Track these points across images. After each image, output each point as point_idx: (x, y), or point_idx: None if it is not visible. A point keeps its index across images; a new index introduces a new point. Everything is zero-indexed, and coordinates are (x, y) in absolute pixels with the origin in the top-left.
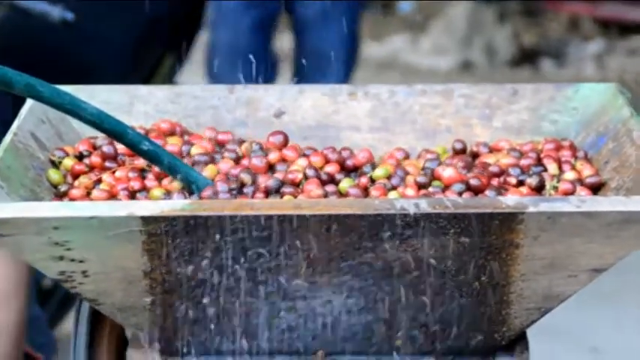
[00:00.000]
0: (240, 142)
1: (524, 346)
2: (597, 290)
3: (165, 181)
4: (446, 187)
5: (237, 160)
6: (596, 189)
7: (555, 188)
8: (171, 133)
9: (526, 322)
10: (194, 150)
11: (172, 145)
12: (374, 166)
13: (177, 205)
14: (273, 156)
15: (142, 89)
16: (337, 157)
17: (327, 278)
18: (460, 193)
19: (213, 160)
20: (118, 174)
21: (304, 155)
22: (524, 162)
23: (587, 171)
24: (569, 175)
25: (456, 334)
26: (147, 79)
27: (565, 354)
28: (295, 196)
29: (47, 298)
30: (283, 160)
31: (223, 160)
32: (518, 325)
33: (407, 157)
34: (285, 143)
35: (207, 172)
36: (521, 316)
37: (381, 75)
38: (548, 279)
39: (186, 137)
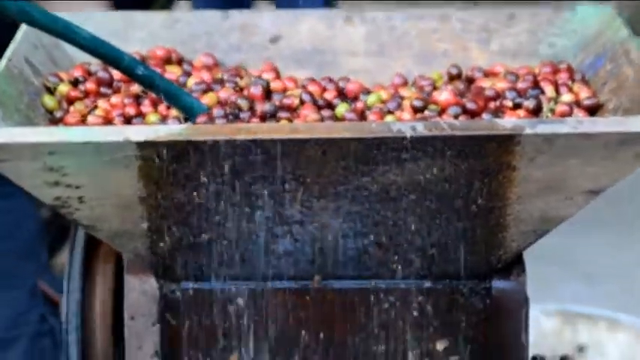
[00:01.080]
0: (239, 74)
1: (520, 269)
2: (593, 218)
3: (161, 107)
4: (442, 111)
5: (236, 90)
6: (593, 111)
7: (552, 111)
8: (168, 60)
9: (522, 245)
10: (191, 81)
11: (170, 73)
12: (369, 93)
13: (173, 130)
14: (272, 85)
15: (137, 15)
16: (335, 87)
17: (324, 203)
18: (456, 117)
19: (211, 89)
20: (113, 100)
21: (302, 87)
22: (520, 85)
23: (584, 93)
24: (566, 97)
25: (452, 258)
26: None
27: (559, 279)
28: (291, 121)
29: (46, 228)
30: (283, 90)
31: (223, 89)
32: (515, 247)
33: (405, 83)
34: (277, 76)
35: (207, 99)
36: (517, 239)
37: (376, 5)
38: (545, 201)
39: (186, 67)
